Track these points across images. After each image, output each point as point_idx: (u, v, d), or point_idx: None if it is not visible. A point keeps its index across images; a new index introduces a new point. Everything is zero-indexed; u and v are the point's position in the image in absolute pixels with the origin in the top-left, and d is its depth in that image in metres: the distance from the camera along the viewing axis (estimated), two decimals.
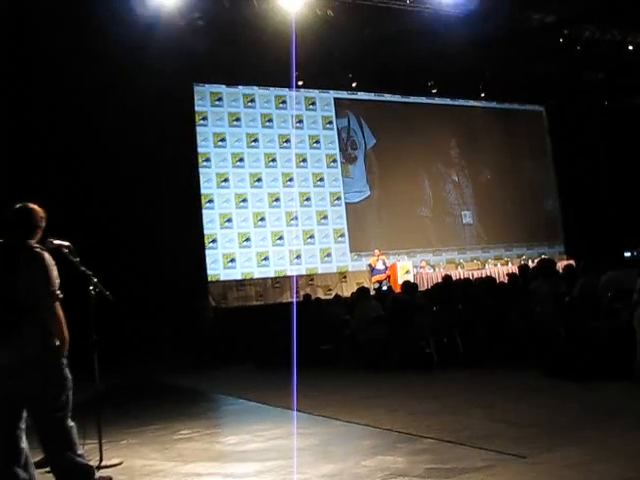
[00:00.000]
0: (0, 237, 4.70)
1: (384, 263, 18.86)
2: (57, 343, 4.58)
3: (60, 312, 4.60)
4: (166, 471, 5.31)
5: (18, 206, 4.78)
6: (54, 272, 4.60)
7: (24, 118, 14.57)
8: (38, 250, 4.62)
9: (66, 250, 5.19)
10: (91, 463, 4.89)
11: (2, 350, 4.45)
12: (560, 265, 14.57)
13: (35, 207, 4.81)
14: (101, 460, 5.53)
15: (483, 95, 22.90)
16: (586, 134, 22.62)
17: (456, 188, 23.46)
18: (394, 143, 22.15)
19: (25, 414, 4.67)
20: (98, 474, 4.86)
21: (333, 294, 17.72)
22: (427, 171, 23.00)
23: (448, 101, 23.40)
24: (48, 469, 4.75)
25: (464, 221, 23.25)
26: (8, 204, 4.83)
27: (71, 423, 4.69)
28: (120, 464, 5.62)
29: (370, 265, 19.11)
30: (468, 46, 17.46)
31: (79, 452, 4.69)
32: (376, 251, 19.11)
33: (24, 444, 4.66)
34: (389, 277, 18.73)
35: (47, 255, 4.64)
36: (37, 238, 4.78)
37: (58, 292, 4.59)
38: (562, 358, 7.76)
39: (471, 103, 23.85)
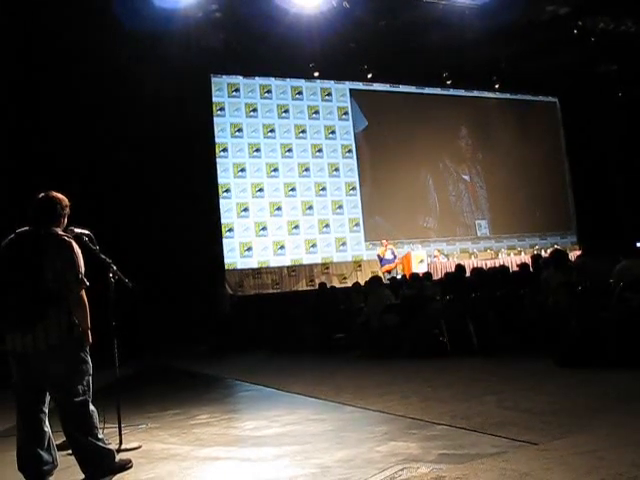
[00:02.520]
0: (26, 226, 4.80)
1: (393, 253, 18.89)
2: (80, 330, 4.69)
3: (85, 300, 4.69)
4: (184, 455, 5.36)
5: (42, 195, 4.86)
6: (81, 260, 4.70)
7: (42, 110, 14.69)
8: (66, 238, 4.71)
9: (86, 238, 5.24)
10: (111, 446, 4.97)
11: (28, 336, 4.55)
12: (572, 255, 14.56)
13: (59, 195, 4.90)
14: (120, 444, 5.58)
15: (497, 86, 22.78)
16: (599, 125, 22.47)
17: (468, 183, 23.33)
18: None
19: (48, 398, 4.79)
20: (118, 457, 4.95)
21: (348, 282, 17.82)
22: (439, 163, 22.93)
23: (462, 92, 23.37)
24: (70, 452, 4.85)
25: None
26: (32, 195, 4.93)
27: (92, 407, 4.78)
28: (139, 448, 5.66)
29: (379, 255, 19.13)
30: (482, 38, 17.42)
31: (100, 436, 4.79)
32: (384, 241, 19.22)
33: (47, 427, 4.76)
34: (397, 266, 18.77)
35: (74, 243, 4.74)
36: (63, 226, 4.88)
37: (85, 280, 4.70)
38: (574, 347, 7.79)
39: (485, 94, 23.80)
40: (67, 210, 4.94)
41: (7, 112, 14.17)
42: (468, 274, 12.67)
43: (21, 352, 4.61)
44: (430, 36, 17.75)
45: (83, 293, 4.71)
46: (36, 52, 14.34)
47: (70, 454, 4.85)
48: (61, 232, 4.80)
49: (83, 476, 4.73)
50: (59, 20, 13.81)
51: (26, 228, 4.79)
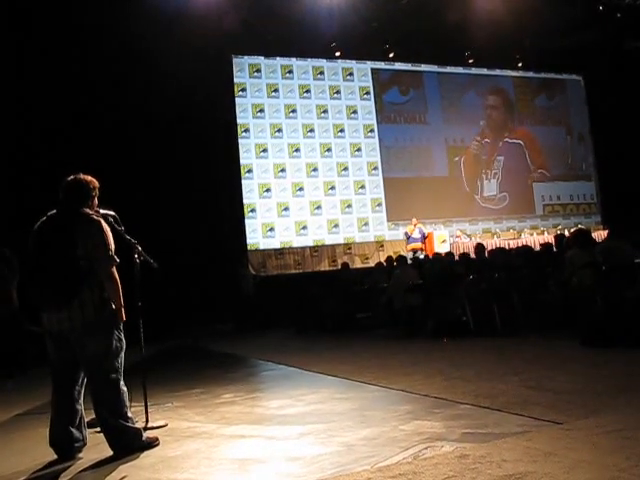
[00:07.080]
0: (56, 208, 4.89)
1: (421, 232, 18.81)
2: (113, 307, 4.76)
3: (117, 276, 4.76)
4: (210, 433, 5.40)
5: (71, 177, 4.95)
6: (110, 237, 4.77)
7: (62, 94, 14.69)
8: (95, 217, 4.79)
9: (111, 219, 5.28)
10: (138, 425, 5.05)
11: (63, 313, 4.63)
12: (597, 235, 14.44)
13: (87, 177, 4.99)
14: (147, 422, 5.62)
15: (520, 65, 22.54)
16: (625, 104, 22.13)
17: (490, 157, 23.17)
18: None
19: (82, 375, 4.88)
20: (145, 435, 5.01)
21: (370, 263, 17.81)
22: (461, 143, 22.77)
23: (485, 71, 23.15)
24: (98, 429, 4.94)
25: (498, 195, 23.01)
26: (66, 172, 5.03)
27: (123, 386, 4.85)
28: (165, 426, 5.72)
29: (406, 233, 19.05)
30: (505, 15, 17.20)
31: (129, 415, 4.86)
32: (413, 219, 19.07)
33: (80, 405, 4.87)
34: (423, 247, 18.69)
35: (103, 221, 4.80)
36: (93, 207, 4.96)
37: (115, 257, 4.76)
38: (598, 327, 7.76)
39: (508, 73, 23.56)
40: (96, 191, 5.02)
41: (33, 100, 14.23)
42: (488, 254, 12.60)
43: (57, 330, 4.71)
44: (452, 14, 17.57)
45: (114, 270, 4.78)
46: (54, 33, 14.29)
47: (99, 431, 4.94)
48: (90, 211, 4.87)
49: (111, 453, 4.80)
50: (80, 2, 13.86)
51: (56, 210, 4.89)
